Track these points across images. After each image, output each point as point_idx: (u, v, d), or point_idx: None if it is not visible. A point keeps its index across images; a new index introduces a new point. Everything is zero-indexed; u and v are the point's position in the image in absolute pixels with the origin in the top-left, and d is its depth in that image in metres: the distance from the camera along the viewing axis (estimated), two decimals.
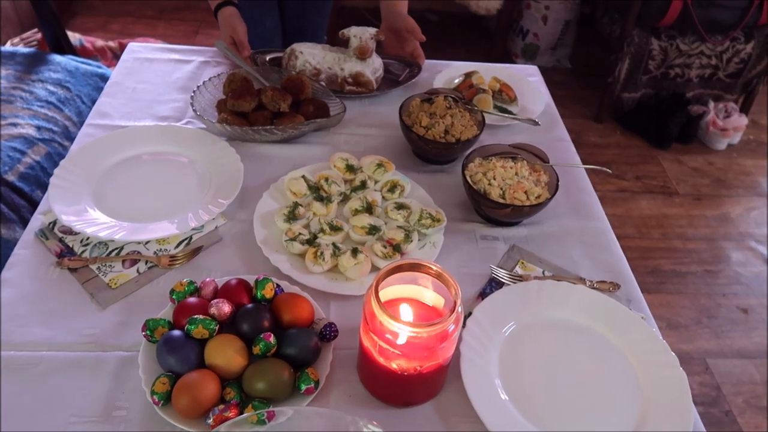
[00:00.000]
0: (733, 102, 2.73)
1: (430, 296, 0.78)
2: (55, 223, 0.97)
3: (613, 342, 0.88)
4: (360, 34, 1.29)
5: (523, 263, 1.00)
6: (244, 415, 0.69)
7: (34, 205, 1.33)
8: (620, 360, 0.86)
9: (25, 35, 2.29)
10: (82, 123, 1.58)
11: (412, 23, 1.37)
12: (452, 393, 0.81)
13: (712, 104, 2.67)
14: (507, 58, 3.09)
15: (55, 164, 1.45)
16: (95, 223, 0.95)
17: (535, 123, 1.20)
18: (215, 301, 0.80)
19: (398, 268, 0.75)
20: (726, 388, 1.77)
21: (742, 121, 2.67)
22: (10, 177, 1.31)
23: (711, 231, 2.30)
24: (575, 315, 0.91)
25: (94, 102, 1.65)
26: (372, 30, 1.30)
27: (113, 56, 2.59)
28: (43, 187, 1.39)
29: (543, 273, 0.99)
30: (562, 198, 1.09)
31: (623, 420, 0.80)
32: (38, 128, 1.45)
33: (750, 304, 2.03)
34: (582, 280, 0.97)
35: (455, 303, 0.71)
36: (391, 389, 0.78)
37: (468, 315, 0.88)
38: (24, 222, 1.28)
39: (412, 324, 0.70)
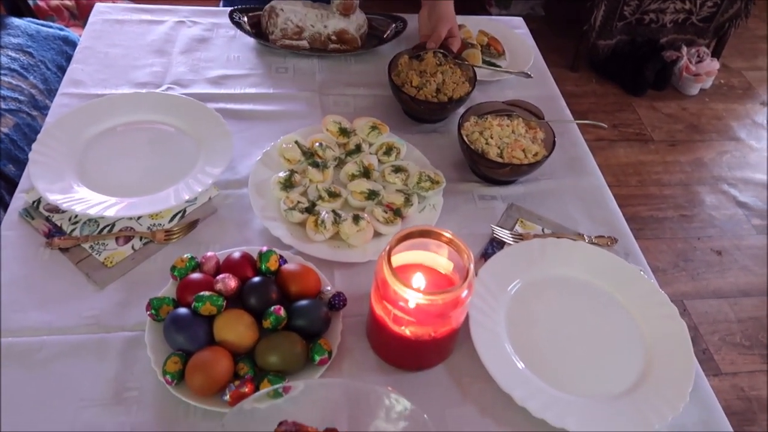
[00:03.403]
0: (705, 47, 2.74)
1: (440, 261, 0.78)
2: (39, 201, 0.92)
3: (615, 295, 0.90)
4: None
5: (522, 222, 1.00)
6: (263, 391, 0.68)
7: (6, 180, 1.27)
8: (622, 313, 0.88)
9: None
10: (48, 91, 1.51)
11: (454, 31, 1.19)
12: (463, 354, 0.81)
13: (685, 49, 2.68)
14: (480, 6, 3.02)
15: (25, 136, 1.39)
16: (82, 200, 0.91)
17: (528, 75, 1.18)
18: (221, 276, 0.78)
19: (409, 236, 0.74)
20: (703, 327, 1.85)
21: (714, 65, 2.69)
22: None
23: (686, 176, 2.35)
24: (577, 271, 0.92)
25: (59, 68, 1.57)
26: None
27: (70, 16, 2.45)
28: (15, 161, 1.32)
29: (543, 231, 0.99)
30: (556, 154, 1.08)
31: (627, 370, 0.82)
32: (3, 98, 1.36)
33: (723, 246, 2.10)
34: (581, 236, 0.98)
35: (468, 269, 0.71)
36: (404, 355, 0.78)
37: None
38: None
39: (426, 291, 0.70)
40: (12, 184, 1.27)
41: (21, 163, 1.31)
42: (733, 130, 2.58)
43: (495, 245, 0.96)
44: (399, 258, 0.76)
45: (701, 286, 1.96)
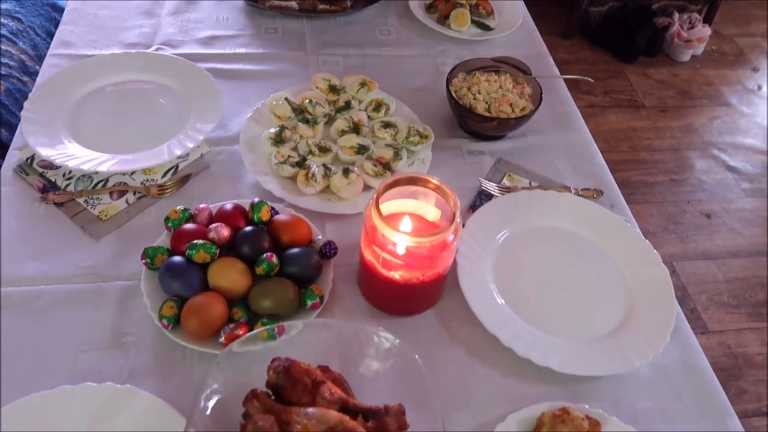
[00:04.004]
0: (696, 13, 2.74)
1: (428, 210, 0.80)
2: (32, 158, 0.94)
3: (600, 244, 0.92)
4: None
5: (509, 175, 1.02)
6: (255, 330, 0.70)
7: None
8: (606, 260, 0.91)
9: None
10: (38, 57, 1.50)
11: None
12: (451, 300, 0.84)
13: (676, 15, 2.68)
14: None
15: (16, 101, 1.39)
16: (75, 156, 0.92)
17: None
18: (214, 225, 0.80)
19: (396, 183, 0.76)
20: (691, 288, 1.88)
21: (705, 31, 2.69)
22: None
23: (676, 141, 2.37)
24: (563, 221, 0.94)
25: (48, 33, 1.56)
26: None
27: None
28: (7, 125, 1.32)
29: (530, 184, 1.01)
30: (544, 111, 1.10)
31: (611, 314, 0.85)
32: None
33: (712, 209, 2.13)
34: (567, 189, 1.00)
35: (454, 213, 0.73)
36: (394, 299, 0.81)
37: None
38: None
39: (414, 234, 0.72)
40: (5, 149, 1.27)
41: (13, 128, 1.30)
42: (724, 96, 2.59)
43: (483, 198, 0.98)
44: (387, 206, 0.78)
45: (690, 248, 1.99)
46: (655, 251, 0.91)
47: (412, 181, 0.77)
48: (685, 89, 2.59)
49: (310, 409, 0.61)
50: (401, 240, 0.71)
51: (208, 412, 0.64)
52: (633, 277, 0.89)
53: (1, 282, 0.79)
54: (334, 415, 0.60)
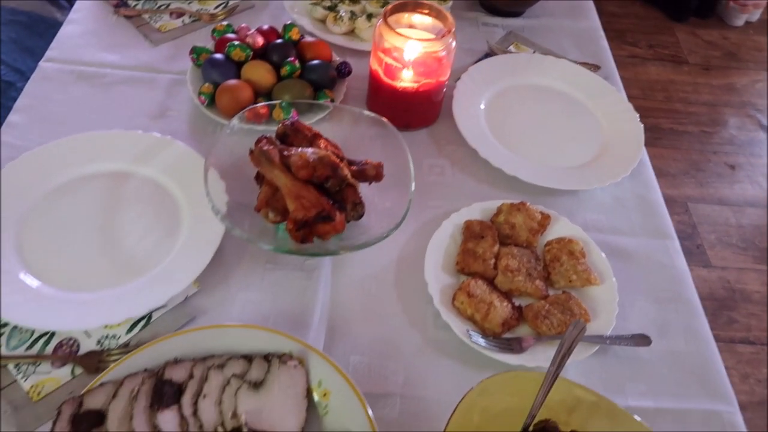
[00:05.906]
0: None
1: (429, 37, 0.92)
2: None
3: (586, 103, 1.04)
4: None
5: (517, 45, 1.13)
6: (274, 101, 0.86)
7: None
8: (589, 115, 1.02)
9: None
10: None
11: None
12: (444, 127, 0.97)
13: None
14: None
15: None
16: None
17: None
18: (250, 32, 0.95)
19: (404, 6, 0.89)
20: (702, 227, 1.94)
21: None
22: None
23: (714, 98, 2.39)
24: (556, 82, 1.06)
25: None
26: None
27: None
28: None
29: (533, 53, 1.12)
30: (562, 2, 1.21)
31: (582, 154, 0.96)
32: None
33: (738, 161, 2.16)
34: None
35: (449, 29, 0.86)
36: (394, 109, 0.94)
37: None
38: None
39: (413, 38, 0.85)
40: None
41: None
42: None
43: (488, 57, 1.10)
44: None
45: (708, 192, 2.04)
46: (636, 113, 1.01)
47: (417, 6, 0.90)
48: (733, 51, 2.60)
49: (306, 148, 0.76)
50: (402, 45, 0.85)
51: (227, 156, 0.79)
52: (610, 130, 1.00)
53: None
54: (323, 151, 0.75)
